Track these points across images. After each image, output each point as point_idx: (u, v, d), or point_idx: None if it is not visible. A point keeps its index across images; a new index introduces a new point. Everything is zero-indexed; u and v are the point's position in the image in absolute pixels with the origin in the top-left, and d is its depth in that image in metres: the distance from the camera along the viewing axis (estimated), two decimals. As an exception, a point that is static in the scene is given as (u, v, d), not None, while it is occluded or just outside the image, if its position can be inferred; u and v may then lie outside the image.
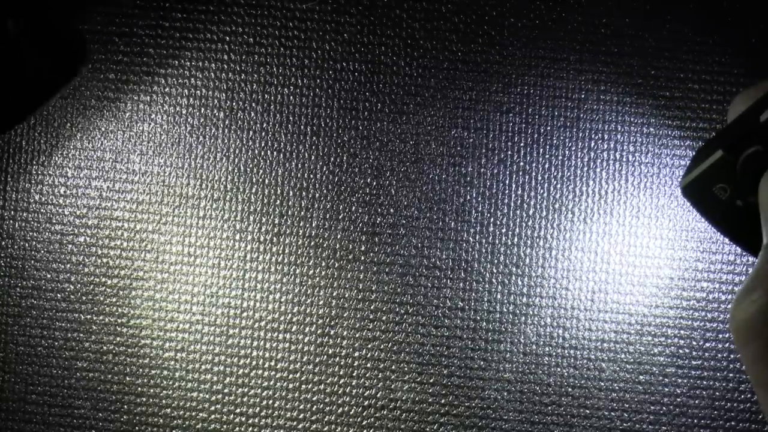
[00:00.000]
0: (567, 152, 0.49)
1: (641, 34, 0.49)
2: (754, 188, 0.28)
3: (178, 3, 0.49)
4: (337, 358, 0.49)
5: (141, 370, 0.49)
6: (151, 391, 0.49)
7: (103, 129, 0.50)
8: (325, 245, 0.49)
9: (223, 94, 0.49)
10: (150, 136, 0.50)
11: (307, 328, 0.49)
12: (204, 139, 0.49)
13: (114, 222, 0.49)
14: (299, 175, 0.49)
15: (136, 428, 0.49)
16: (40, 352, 0.49)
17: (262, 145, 0.49)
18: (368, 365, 0.49)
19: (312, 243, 0.49)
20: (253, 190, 0.49)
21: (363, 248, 0.49)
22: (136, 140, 0.50)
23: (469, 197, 0.49)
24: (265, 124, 0.49)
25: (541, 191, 0.49)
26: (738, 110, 0.31)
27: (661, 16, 0.48)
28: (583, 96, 0.49)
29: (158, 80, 0.49)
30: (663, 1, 0.48)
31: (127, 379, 0.49)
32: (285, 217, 0.49)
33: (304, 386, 0.49)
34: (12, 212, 0.49)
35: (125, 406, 0.49)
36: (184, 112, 0.49)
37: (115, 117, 0.49)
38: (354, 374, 0.49)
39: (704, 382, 0.48)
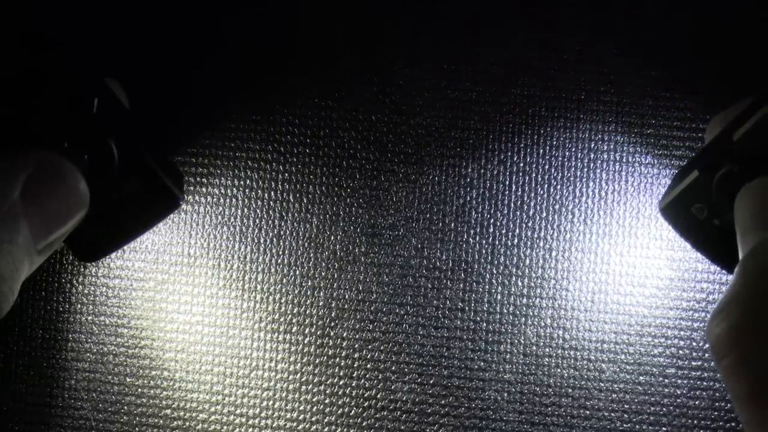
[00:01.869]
0: (567, 153, 0.49)
1: (641, 35, 0.48)
2: (730, 207, 0.28)
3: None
4: (337, 359, 0.49)
5: (141, 371, 0.49)
6: (151, 392, 0.49)
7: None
8: (324, 246, 0.49)
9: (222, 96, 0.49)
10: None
11: (307, 329, 0.49)
12: (202, 141, 0.49)
13: (114, 222, 0.49)
14: (299, 176, 0.49)
15: (136, 429, 0.49)
16: (40, 352, 0.49)
17: (262, 146, 0.49)
18: (368, 366, 0.49)
19: (312, 244, 0.49)
20: (253, 191, 0.49)
21: (363, 249, 0.49)
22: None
23: (469, 198, 0.49)
24: (263, 125, 0.49)
25: (541, 192, 0.49)
26: (714, 132, 0.31)
27: (661, 16, 0.48)
28: (583, 97, 0.49)
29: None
30: (664, 1, 0.48)
31: (128, 380, 0.49)
32: (285, 219, 0.49)
33: (304, 387, 0.49)
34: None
35: (125, 407, 0.49)
36: (183, 112, 0.49)
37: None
38: (354, 375, 0.49)
39: (704, 383, 0.48)
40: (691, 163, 0.33)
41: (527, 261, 0.49)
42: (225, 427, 0.49)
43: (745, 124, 0.29)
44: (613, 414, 0.48)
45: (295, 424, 0.49)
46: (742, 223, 0.26)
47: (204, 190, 0.49)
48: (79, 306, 0.49)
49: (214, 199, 0.49)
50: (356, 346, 0.49)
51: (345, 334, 0.49)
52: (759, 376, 0.22)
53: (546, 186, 0.49)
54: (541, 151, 0.49)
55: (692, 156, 0.36)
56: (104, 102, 0.37)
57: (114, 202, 0.39)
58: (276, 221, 0.49)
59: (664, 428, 0.48)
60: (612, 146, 0.49)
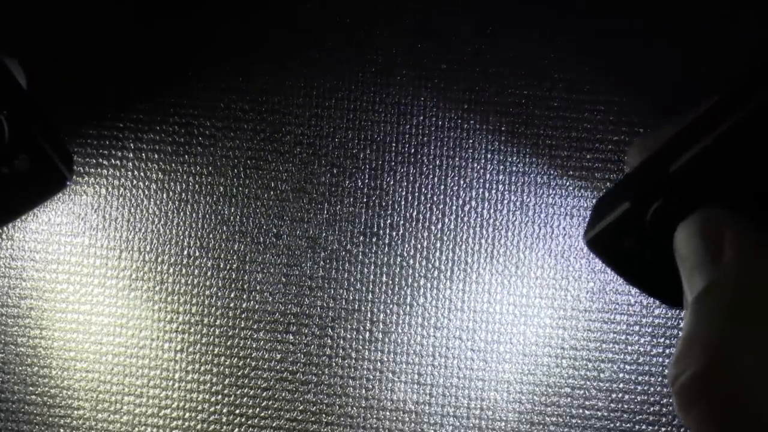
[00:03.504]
0: (566, 153, 0.49)
1: (639, 35, 0.48)
2: (665, 240, 0.27)
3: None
4: (337, 359, 0.49)
5: (141, 370, 0.49)
6: (151, 391, 0.49)
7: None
8: (324, 246, 0.49)
9: (222, 96, 0.49)
10: (149, 136, 0.49)
11: (307, 329, 0.49)
12: (202, 141, 0.49)
13: (114, 223, 0.49)
14: (298, 175, 0.49)
15: (136, 429, 0.49)
16: (40, 352, 0.49)
17: (261, 146, 0.49)
18: (368, 365, 0.49)
19: (311, 244, 0.49)
20: (253, 191, 0.49)
21: (363, 249, 0.49)
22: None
23: (468, 198, 0.49)
24: (263, 125, 0.49)
25: (541, 192, 0.49)
26: (637, 158, 0.29)
27: (663, 15, 0.48)
28: (582, 98, 0.49)
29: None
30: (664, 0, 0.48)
31: (127, 379, 0.49)
32: (284, 218, 0.49)
33: (304, 387, 0.49)
34: (11, 213, 0.49)
35: (125, 407, 0.49)
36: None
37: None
38: (354, 374, 0.49)
39: (704, 383, 0.48)
40: (618, 192, 0.31)
41: (527, 261, 0.49)
42: (225, 427, 0.49)
43: (684, 155, 0.27)
44: (612, 414, 0.48)
45: (294, 423, 0.49)
46: (688, 261, 0.25)
47: (203, 189, 0.49)
48: (78, 305, 0.49)
49: (213, 199, 0.49)
50: (356, 345, 0.49)
51: (345, 334, 0.49)
52: (732, 427, 0.21)
53: (545, 186, 0.49)
54: (541, 151, 0.49)
55: (617, 182, 0.33)
56: None
57: (2, 178, 0.39)
58: (276, 221, 0.49)
59: (663, 428, 0.48)
60: (612, 147, 0.49)
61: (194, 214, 0.49)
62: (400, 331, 0.49)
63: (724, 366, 0.22)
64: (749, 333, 0.22)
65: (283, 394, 0.49)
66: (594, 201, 0.45)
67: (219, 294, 0.49)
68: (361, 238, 0.49)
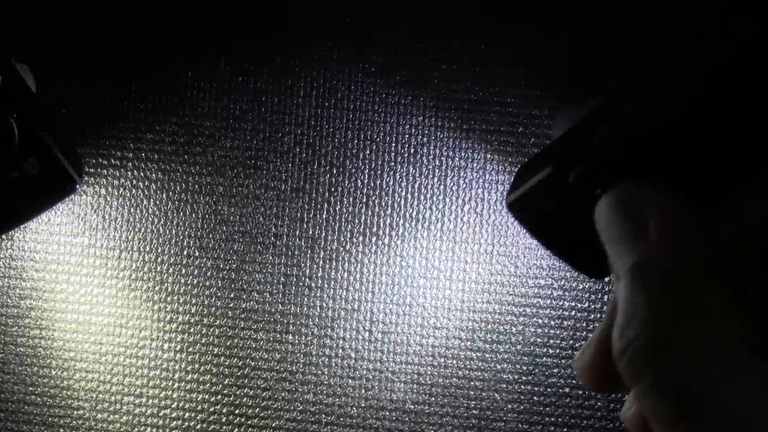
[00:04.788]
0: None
1: (639, 36, 0.48)
2: (586, 208, 0.27)
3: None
4: (337, 359, 0.49)
5: (140, 370, 0.49)
6: (151, 391, 0.49)
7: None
8: (324, 245, 0.49)
9: (222, 96, 0.49)
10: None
11: (307, 329, 0.49)
12: (202, 141, 0.49)
13: (114, 223, 0.49)
14: (298, 175, 0.49)
15: (136, 429, 0.49)
16: (39, 352, 0.49)
17: (261, 146, 0.49)
18: (368, 365, 0.49)
19: (311, 243, 0.49)
20: (252, 191, 0.49)
21: (362, 248, 0.49)
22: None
23: (468, 198, 0.49)
24: (263, 125, 0.49)
25: (541, 192, 0.49)
26: (562, 127, 0.30)
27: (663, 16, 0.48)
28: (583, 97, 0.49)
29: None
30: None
31: (127, 379, 0.49)
32: (284, 218, 0.49)
33: (304, 386, 0.49)
34: (11, 213, 0.49)
35: (125, 407, 0.49)
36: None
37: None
38: (354, 374, 0.49)
39: (704, 383, 0.48)
40: (542, 157, 0.31)
41: (526, 261, 0.49)
42: (225, 427, 0.49)
43: (607, 123, 0.27)
44: (613, 414, 0.48)
45: (294, 423, 0.49)
46: (611, 233, 0.25)
47: (203, 189, 0.49)
48: (78, 305, 0.49)
49: (213, 199, 0.49)
50: (356, 345, 0.49)
51: (345, 334, 0.49)
52: (679, 397, 0.22)
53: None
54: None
55: (542, 148, 0.33)
56: (8, 80, 0.38)
57: (13, 182, 0.39)
58: (276, 221, 0.49)
59: (663, 428, 0.48)
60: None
61: (194, 214, 0.49)
62: (400, 331, 0.49)
63: (667, 337, 0.23)
64: (687, 303, 0.23)
65: (283, 394, 0.49)
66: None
67: (219, 294, 0.49)
68: (361, 238, 0.49)
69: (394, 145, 0.49)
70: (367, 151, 0.49)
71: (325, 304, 0.49)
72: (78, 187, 0.41)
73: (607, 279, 0.49)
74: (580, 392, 0.48)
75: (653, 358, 0.23)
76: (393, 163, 0.49)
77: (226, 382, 0.49)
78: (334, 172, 0.49)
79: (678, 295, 0.23)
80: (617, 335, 0.24)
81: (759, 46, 0.26)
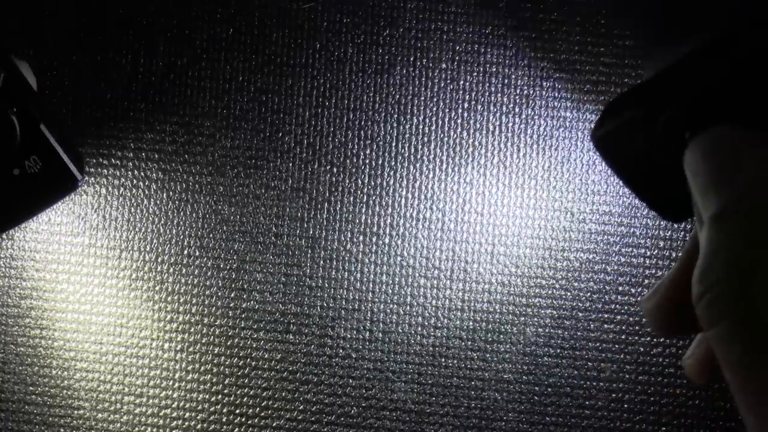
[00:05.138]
0: (566, 153, 0.49)
1: (639, 36, 0.48)
2: (674, 148, 0.27)
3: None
4: (337, 359, 0.49)
5: (141, 370, 0.49)
6: (151, 391, 0.49)
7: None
8: (324, 245, 0.49)
9: (222, 96, 0.49)
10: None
11: (307, 329, 0.49)
12: (202, 141, 0.49)
13: (113, 223, 0.49)
14: (299, 175, 0.49)
15: (136, 429, 0.49)
16: (40, 352, 0.49)
17: (261, 145, 0.49)
18: (368, 365, 0.49)
19: (312, 243, 0.49)
20: (253, 191, 0.49)
21: (363, 248, 0.49)
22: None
23: (468, 197, 0.49)
24: (263, 125, 0.49)
25: (541, 192, 0.49)
26: (656, 66, 0.30)
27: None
28: (582, 97, 0.49)
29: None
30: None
31: (127, 379, 0.49)
32: (284, 218, 0.49)
33: (304, 386, 0.49)
34: (12, 213, 0.49)
35: (125, 407, 0.49)
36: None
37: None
38: (354, 374, 0.49)
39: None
40: (633, 96, 0.30)
41: (526, 260, 0.49)
42: (225, 427, 0.49)
43: (702, 67, 0.27)
44: (613, 414, 0.48)
45: (295, 423, 0.49)
46: (701, 177, 0.26)
47: (203, 189, 0.49)
48: (78, 305, 0.49)
49: (213, 199, 0.49)
50: (356, 345, 0.49)
51: (345, 334, 0.49)
52: (755, 341, 0.22)
53: (545, 185, 0.49)
54: (540, 150, 0.49)
55: (637, 83, 0.33)
56: (10, 77, 0.38)
57: (15, 179, 0.39)
58: (276, 221, 0.49)
59: (664, 428, 0.48)
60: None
61: (194, 214, 0.49)
62: (400, 331, 0.49)
63: (746, 284, 0.23)
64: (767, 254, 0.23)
65: (283, 394, 0.49)
66: (596, 199, 0.45)
67: (219, 294, 0.49)
68: (361, 238, 0.49)
69: (394, 145, 0.49)
70: (368, 151, 0.49)
71: (325, 304, 0.49)
72: (79, 184, 0.41)
73: (601, 286, 0.49)
74: (580, 392, 0.48)
75: (732, 303, 0.23)
76: (393, 163, 0.49)
77: (226, 381, 0.49)
78: (335, 171, 0.49)
79: (760, 244, 0.23)
80: (697, 278, 0.24)
81: None
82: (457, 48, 0.49)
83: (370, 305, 0.49)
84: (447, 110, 0.49)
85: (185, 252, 0.49)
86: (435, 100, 0.49)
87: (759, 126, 0.26)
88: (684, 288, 0.25)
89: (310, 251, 0.49)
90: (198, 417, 0.49)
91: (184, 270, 0.49)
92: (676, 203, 0.28)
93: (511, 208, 0.49)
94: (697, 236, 0.26)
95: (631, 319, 0.48)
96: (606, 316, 0.48)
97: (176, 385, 0.49)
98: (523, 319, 0.49)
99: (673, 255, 0.48)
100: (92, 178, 0.49)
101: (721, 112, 0.27)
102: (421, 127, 0.49)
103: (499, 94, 0.49)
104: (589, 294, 0.49)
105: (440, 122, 0.49)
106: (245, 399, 0.49)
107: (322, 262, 0.49)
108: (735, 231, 0.24)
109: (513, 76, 0.49)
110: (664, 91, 0.28)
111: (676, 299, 0.27)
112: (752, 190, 0.24)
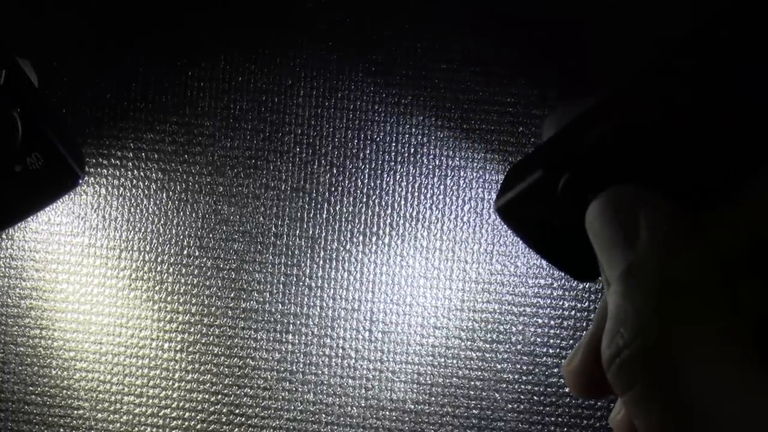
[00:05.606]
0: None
1: (641, 35, 0.48)
2: (577, 212, 0.27)
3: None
4: (337, 359, 0.49)
5: (140, 370, 0.49)
6: (151, 391, 0.49)
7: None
8: (324, 245, 0.49)
9: (222, 96, 0.49)
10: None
11: (307, 329, 0.49)
12: (202, 141, 0.49)
13: (114, 223, 0.49)
14: (298, 175, 0.49)
15: (136, 428, 0.49)
16: (40, 352, 0.49)
17: (261, 145, 0.49)
18: (368, 365, 0.49)
19: (311, 243, 0.49)
20: (252, 191, 0.49)
21: (362, 248, 0.49)
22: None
23: (468, 197, 0.49)
24: (263, 125, 0.49)
25: (541, 192, 0.49)
26: (551, 130, 0.29)
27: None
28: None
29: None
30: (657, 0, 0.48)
31: (127, 379, 0.49)
32: (284, 218, 0.49)
33: (303, 387, 0.49)
34: (11, 213, 0.49)
35: (125, 407, 0.49)
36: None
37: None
38: (354, 374, 0.49)
39: (704, 383, 0.48)
40: (531, 161, 0.30)
41: (527, 260, 0.49)
42: (225, 427, 0.49)
43: (597, 127, 0.27)
44: (612, 414, 0.48)
45: (295, 423, 0.49)
46: (602, 238, 0.25)
47: (203, 189, 0.49)
48: (78, 305, 0.49)
49: (213, 199, 0.49)
50: (356, 345, 0.49)
51: (345, 334, 0.49)
52: (669, 405, 0.22)
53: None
54: (541, 151, 0.49)
55: (533, 150, 0.33)
56: (12, 75, 0.38)
57: (16, 176, 0.39)
58: (276, 221, 0.49)
59: (663, 428, 0.48)
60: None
61: (194, 214, 0.49)
62: (400, 331, 0.49)
63: (657, 345, 0.22)
64: (678, 310, 0.23)
65: (283, 394, 0.49)
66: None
67: (219, 294, 0.49)
68: (361, 238, 0.49)
69: (394, 144, 0.49)
70: (367, 151, 0.49)
71: (325, 304, 0.49)
72: (80, 181, 0.41)
73: (601, 285, 0.49)
74: (580, 392, 0.48)
75: (643, 366, 0.22)
76: (393, 163, 0.49)
77: (226, 381, 0.49)
78: (335, 171, 0.49)
79: (669, 301, 0.23)
80: (607, 342, 0.23)
81: (747, 44, 0.25)
82: (457, 48, 0.49)
83: (370, 305, 0.49)
84: (446, 110, 0.49)
85: (185, 252, 0.49)
86: (435, 100, 0.49)
87: (657, 183, 0.26)
88: (599, 351, 0.24)
89: (310, 251, 0.49)
90: (198, 417, 0.49)
91: (183, 270, 0.49)
92: (587, 265, 0.28)
93: (511, 208, 0.49)
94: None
95: (631, 319, 0.48)
96: (606, 316, 0.48)
97: (176, 385, 0.49)
98: (523, 319, 0.49)
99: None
100: (92, 178, 0.49)
101: (620, 173, 0.27)
102: (421, 127, 0.49)
103: (499, 94, 0.49)
104: (589, 294, 0.49)
105: (440, 122, 0.49)
106: (245, 399, 0.49)
107: (322, 262, 0.49)
108: (638, 294, 0.23)
109: (512, 76, 0.49)
110: (560, 153, 0.28)
111: (592, 364, 0.26)
112: (652, 251, 0.24)
